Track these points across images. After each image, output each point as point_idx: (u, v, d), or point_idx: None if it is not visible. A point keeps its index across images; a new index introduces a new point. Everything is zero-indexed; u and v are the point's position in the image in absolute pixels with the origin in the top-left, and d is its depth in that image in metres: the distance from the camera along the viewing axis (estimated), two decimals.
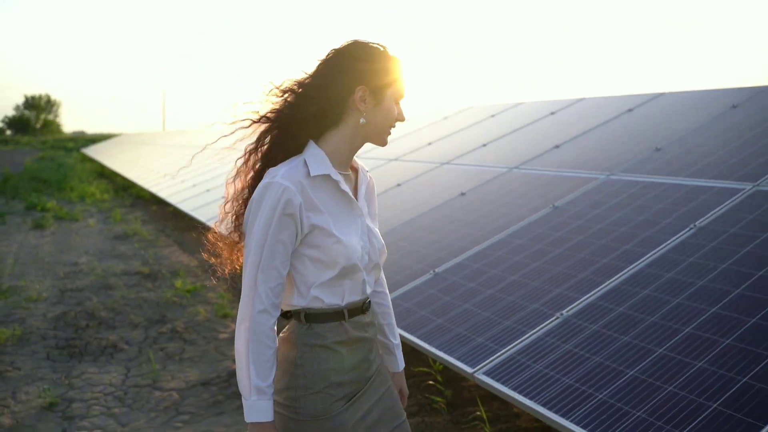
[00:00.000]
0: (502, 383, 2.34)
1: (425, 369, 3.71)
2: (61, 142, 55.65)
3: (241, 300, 1.42)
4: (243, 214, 1.51)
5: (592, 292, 2.76)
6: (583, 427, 1.99)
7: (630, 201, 3.58)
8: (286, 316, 1.52)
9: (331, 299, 1.46)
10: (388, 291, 1.75)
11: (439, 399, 3.36)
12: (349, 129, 1.47)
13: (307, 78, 1.48)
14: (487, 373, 2.43)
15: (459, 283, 3.29)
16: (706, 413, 1.90)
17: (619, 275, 2.83)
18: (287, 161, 1.45)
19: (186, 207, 8.16)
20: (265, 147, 1.50)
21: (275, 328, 1.43)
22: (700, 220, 3.09)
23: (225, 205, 1.55)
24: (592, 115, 5.71)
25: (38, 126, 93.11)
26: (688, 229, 3.05)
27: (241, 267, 1.61)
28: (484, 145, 5.96)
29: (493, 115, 7.19)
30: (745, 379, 1.99)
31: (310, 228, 1.41)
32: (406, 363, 3.58)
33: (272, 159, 1.49)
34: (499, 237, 3.68)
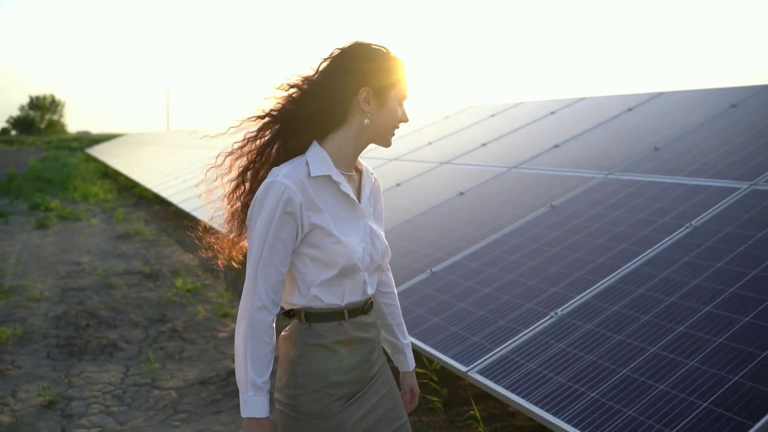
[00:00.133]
0: (496, 382, 2.35)
1: (421, 369, 3.72)
2: (66, 142, 55.84)
3: (241, 297, 1.44)
4: (241, 209, 1.53)
5: (587, 291, 2.76)
6: (574, 426, 1.99)
7: (627, 200, 3.58)
8: (288, 315, 1.53)
9: (330, 299, 1.46)
10: (396, 291, 1.76)
11: (435, 398, 3.37)
12: (353, 130, 1.47)
13: (313, 75, 1.48)
14: (481, 372, 2.44)
15: (456, 282, 3.30)
16: (696, 412, 1.91)
17: (614, 274, 2.83)
18: (290, 161, 1.46)
19: (187, 206, 8.19)
20: (266, 138, 1.50)
21: (274, 325, 1.44)
22: (697, 219, 3.09)
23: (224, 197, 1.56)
24: (592, 114, 5.71)
25: (43, 126, 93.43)
26: (684, 228, 3.05)
27: (235, 259, 1.63)
28: (484, 144, 5.96)
29: (493, 115, 7.19)
30: (736, 378, 1.99)
31: (310, 227, 1.42)
32: None
33: (273, 157, 1.50)
34: (496, 236, 3.69)
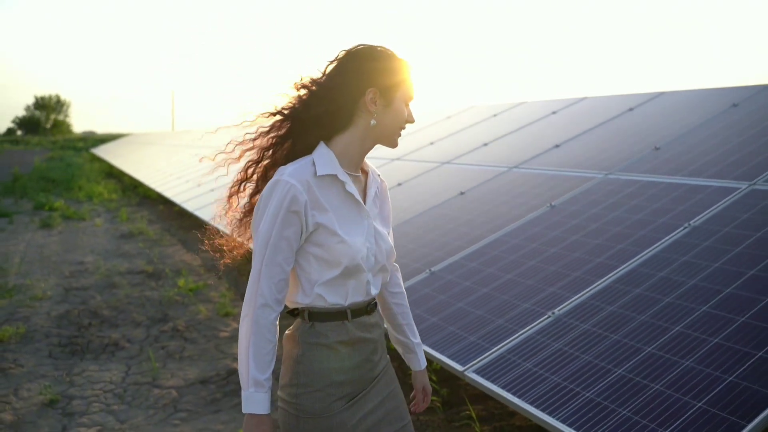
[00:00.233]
0: (492, 381, 2.36)
1: None
2: (71, 142, 56.04)
3: (245, 294, 1.45)
4: (248, 210, 1.55)
5: (584, 291, 2.77)
6: (569, 425, 2.00)
7: (627, 200, 3.58)
8: (292, 313, 1.55)
9: (333, 298, 1.47)
10: (405, 291, 1.77)
11: (434, 398, 3.38)
12: (360, 130, 1.48)
13: (320, 78, 1.50)
14: (477, 372, 2.45)
15: (454, 282, 3.30)
16: (690, 412, 1.91)
17: (611, 274, 2.84)
18: (297, 160, 1.47)
19: (190, 206, 8.22)
20: (278, 134, 1.52)
21: (277, 323, 1.45)
22: (695, 219, 3.09)
23: (231, 197, 1.59)
24: (593, 114, 5.70)
25: (48, 126, 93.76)
26: (682, 228, 3.05)
27: (239, 257, 1.65)
28: (486, 144, 5.96)
29: (495, 115, 7.19)
30: (731, 378, 2.00)
31: (314, 226, 1.43)
32: (402, 362, 3.60)
33: (280, 156, 1.52)
34: (495, 236, 3.69)
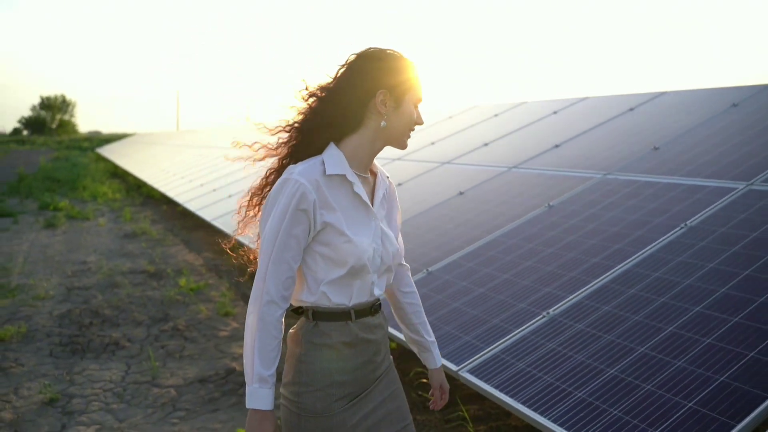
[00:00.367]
0: (485, 381, 2.37)
1: (419, 368, 3.73)
2: (77, 141, 56.22)
3: (252, 290, 1.46)
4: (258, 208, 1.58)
5: (580, 291, 2.77)
6: (560, 425, 2.01)
7: (624, 200, 3.58)
8: (296, 312, 1.56)
9: (338, 298, 1.49)
10: (416, 290, 1.78)
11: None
12: (370, 132, 1.50)
13: (330, 83, 1.53)
14: (471, 371, 2.46)
15: (451, 282, 3.31)
16: (681, 412, 1.91)
17: (607, 274, 2.84)
18: (306, 160, 1.49)
19: (193, 206, 8.25)
20: (295, 137, 1.55)
21: (283, 320, 1.47)
22: (692, 219, 3.09)
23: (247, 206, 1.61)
24: (594, 114, 5.70)
25: (54, 126, 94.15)
26: (679, 228, 3.05)
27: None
28: (486, 144, 5.97)
29: (496, 115, 7.19)
30: (722, 378, 2.00)
31: (322, 225, 1.45)
32: (401, 362, 3.61)
33: (293, 160, 1.55)
34: (493, 236, 3.70)
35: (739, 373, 2.00)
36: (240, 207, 1.62)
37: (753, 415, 1.81)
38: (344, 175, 1.48)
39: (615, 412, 2.00)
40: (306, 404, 1.47)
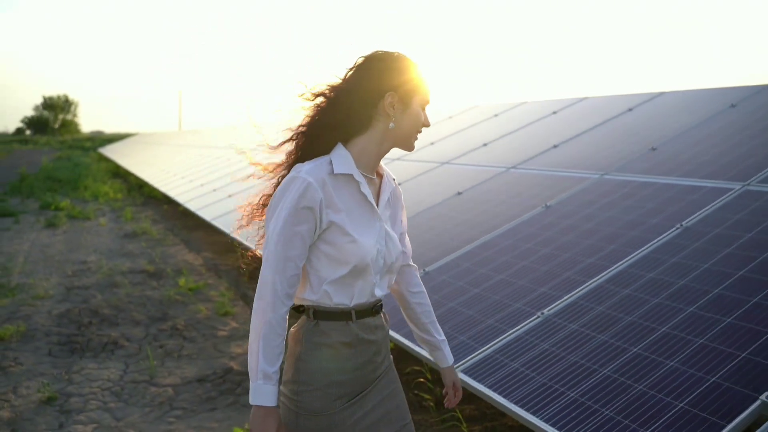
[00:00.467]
0: (479, 381, 2.37)
1: (416, 367, 3.74)
2: (79, 141, 56.30)
3: (257, 287, 1.47)
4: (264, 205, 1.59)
5: (575, 292, 2.78)
6: (552, 425, 2.01)
7: (621, 201, 3.58)
8: (297, 310, 1.57)
9: (339, 298, 1.50)
10: (425, 290, 1.79)
11: (428, 397, 3.40)
12: (378, 133, 1.52)
13: (339, 83, 1.54)
14: (465, 371, 2.46)
15: (447, 282, 3.32)
16: (672, 412, 1.92)
17: (602, 275, 2.84)
18: (314, 159, 1.50)
19: (193, 206, 8.27)
20: (302, 138, 1.57)
21: (287, 317, 1.48)
22: (687, 219, 3.09)
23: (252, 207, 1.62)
24: (593, 114, 5.70)
25: (57, 126, 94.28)
26: (674, 228, 3.05)
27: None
28: (485, 144, 5.97)
29: (496, 115, 7.19)
30: (713, 379, 2.00)
31: (328, 224, 1.46)
32: (397, 362, 3.62)
33: (298, 156, 1.56)
34: (490, 236, 3.71)
35: (730, 373, 2.00)
36: (248, 204, 1.63)
37: (743, 415, 1.81)
38: (351, 175, 1.49)
39: (607, 412, 2.00)
40: (304, 403, 1.49)
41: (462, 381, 2.43)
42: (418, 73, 1.52)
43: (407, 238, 1.73)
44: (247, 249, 1.70)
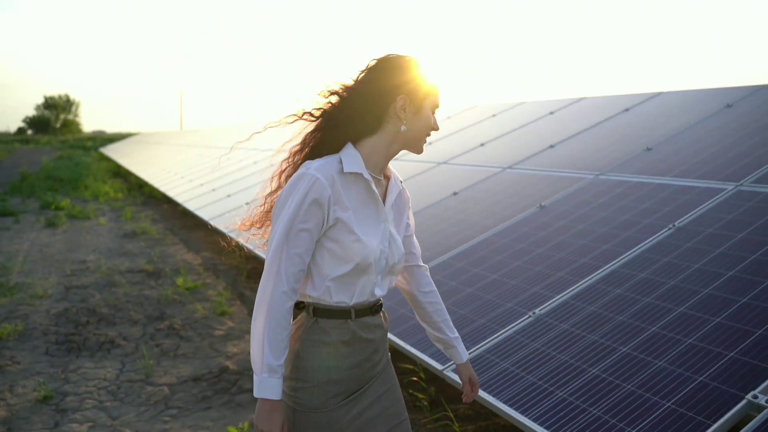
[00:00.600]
0: None
1: (410, 366, 3.75)
2: (81, 141, 56.37)
3: (261, 281, 1.48)
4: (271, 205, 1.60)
5: (566, 292, 2.79)
6: (540, 424, 2.02)
7: (615, 201, 3.59)
8: (298, 306, 1.58)
9: (339, 296, 1.51)
10: (436, 289, 1.81)
11: (421, 396, 3.41)
12: (388, 135, 1.53)
13: (353, 84, 1.56)
14: (456, 371, 2.47)
15: (440, 282, 3.33)
16: (659, 411, 1.93)
17: (594, 274, 2.85)
18: (323, 157, 1.52)
19: (192, 206, 8.29)
20: (312, 135, 1.58)
21: (292, 311, 1.49)
22: (680, 220, 3.10)
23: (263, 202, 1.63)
24: (590, 114, 5.71)
25: (58, 125, 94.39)
26: (667, 229, 3.06)
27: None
28: (482, 144, 5.98)
29: (494, 115, 7.20)
30: (701, 378, 2.01)
31: (334, 221, 1.47)
32: (392, 361, 3.63)
33: (306, 155, 1.57)
34: (484, 236, 3.72)
35: (717, 373, 2.01)
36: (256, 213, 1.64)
37: (729, 414, 1.82)
38: (360, 175, 1.50)
39: (595, 411, 2.01)
40: (302, 399, 1.50)
41: (453, 380, 2.45)
42: (429, 77, 1.55)
43: (415, 238, 1.74)
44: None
